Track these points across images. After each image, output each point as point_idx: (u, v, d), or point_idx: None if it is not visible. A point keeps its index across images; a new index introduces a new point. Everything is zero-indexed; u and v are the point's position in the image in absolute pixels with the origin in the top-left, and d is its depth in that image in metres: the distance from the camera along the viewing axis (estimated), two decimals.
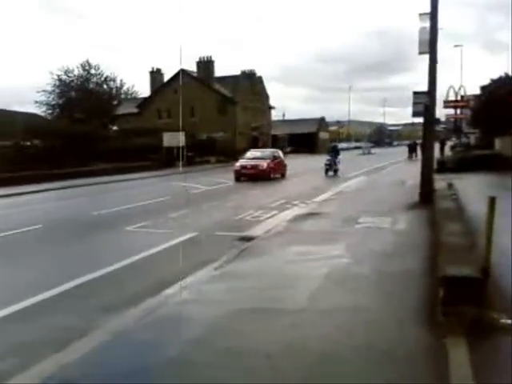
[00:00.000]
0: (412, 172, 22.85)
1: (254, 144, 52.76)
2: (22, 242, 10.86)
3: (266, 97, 65.03)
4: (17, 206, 17.51)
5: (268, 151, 29.69)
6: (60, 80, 57.70)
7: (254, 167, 25.39)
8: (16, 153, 34.87)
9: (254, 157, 27.16)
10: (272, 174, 25.81)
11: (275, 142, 61.31)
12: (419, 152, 43.70)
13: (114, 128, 57.03)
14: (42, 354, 4.73)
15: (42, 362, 4.59)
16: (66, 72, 57.55)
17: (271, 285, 6.73)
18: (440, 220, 8.83)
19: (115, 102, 61.21)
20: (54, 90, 57.93)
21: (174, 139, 40.04)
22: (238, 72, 60.51)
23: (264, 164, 25.63)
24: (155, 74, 60.04)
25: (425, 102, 14.99)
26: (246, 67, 61.53)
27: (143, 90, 65.33)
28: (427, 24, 15.99)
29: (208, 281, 7.16)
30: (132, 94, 64.39)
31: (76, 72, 57.94)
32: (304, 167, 34.92)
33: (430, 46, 15.04)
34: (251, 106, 58.81)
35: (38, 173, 29.26)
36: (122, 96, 63.03)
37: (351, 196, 16.53)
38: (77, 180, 26.73)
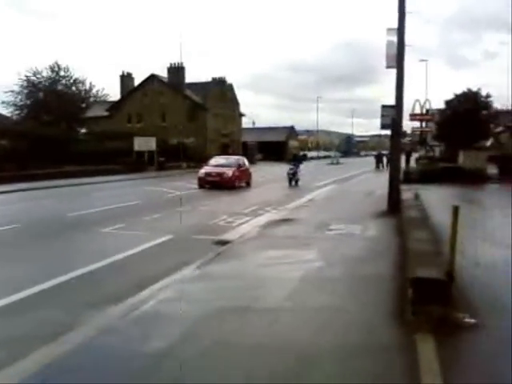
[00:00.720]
0: (379, 182, 23.48)
1: (225, 150, 52.97)
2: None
3: (237, 104, 65.43)
4: None
5: (233, 158, 28.56)
6: (28, 81, 56.96)
7: (218, 175, 24.55)
8: None
9: (218, 164, 26.20)
10: (237, 182, 25.16)
11: (245, 149, 61.61)
12: (385, 162, 44.80)
13: (83, 131, 56.47)
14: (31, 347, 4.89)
15: (28, 357, 4.73)
16: (35, 73, 56.91)
17: (249, 286, 7.00)
18: (407, 228, 9.27)
19: (84, 105, 60.75)
20: (21, 91, 57.20)
21: (145, 144, 40.17)
22: (208, 79, 60.77)
23: (229, 172, 24.81)
24: (126, 78, 59.63)
25: (392, 115, 15.56)
26: (216, 74, 62.02)
27: (113, 93, 64.68)
28: (394, 39, 16.62)
29: (188, 281, 7.38)
30: (101, 97, 63.91)
31: (45, 73, 57.43)
32: (273, 175, 35.31)
33: (398, 60, 15.53)
34: (222, 113, 59.10)
35: (5, 174, 28.84)
36: (92, 99, 62.54)
37: (322, 204, 16.95)
38: (46, 182, 26.47)
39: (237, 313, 5.86)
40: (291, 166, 26.39)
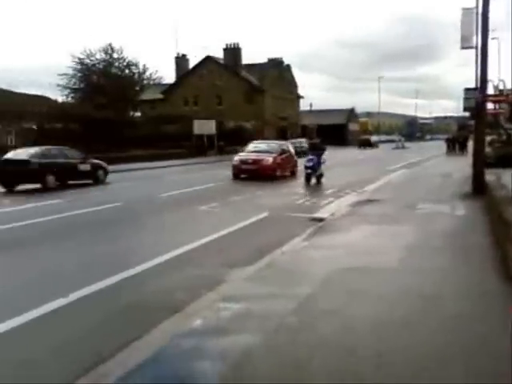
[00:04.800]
0: (454, 166, 24.48)
1: (283, 134, 54.51)
2: (117, 216, 12.98)
3: (295, 86, 66.73)
4: None
5: (275, 143, 26.30)
6: (82, 63, 59.78)
7: (256, 162, 22.47)
8: (42, 135, 37.13)
9: (257, 150, 24.00)
10: (278, 171, 22.86)
11: (305, 132, 62.90)
12: (457, 146, 45.15)
13: (137, 114, 59.17)
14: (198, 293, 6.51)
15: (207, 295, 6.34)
16: (88, 56, 59.66)
17: (360, 252, 8.43)
18: (501, 205, 10.45)
19: (138, 88, 63.42)
20: (75, 74, 60.14)
21: (205, 127, 42.08)
22: (264, 60, 62.23)
23: (269, 159, 22.64)
24: (181, 60, 61.94)
25: (476, 97, 16.58)
26: (269, 54, 63.52)
27: (169, 76, 67.43)
28: (470, 18, 17.65)
29: (302, 249, 8.90)
30: (155, 79, 66.48)
31: (98, 56, 60.13)
32: (335, 160, 36.41)
33: (482, 41, 16.42)
34: (279, 95, 60.55)
35: None
36: (145, 82, 65.17)
37: (401, 186, 18.18)
38: (118, 165, 28.78)
39: (358, 271, 7.30)
40: (310, 157, 20.83)
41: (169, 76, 64.98)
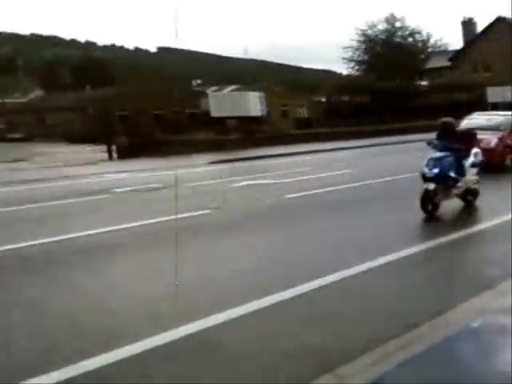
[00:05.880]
0: None
1: None
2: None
3: None
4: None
5: (507, 115, 17.32)
6: (365, 35, 60.75)
7: None
8: (329, 108, 39.12)
9: (476, 126, 15.67)
10: (509, 157, 15.62)
11: None
12: None
13: (423, 83, 57.85)
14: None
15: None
16: (371, 27, 60.40)
17: None
18: None
19: (422, 56, 61.90)
20: (359, 46, 61.48)
21: (500, 94, 38.80)
22: None
23: (492, 140, 15.10)
24: (467, 24, 58.73)
25: None
26: None
27: (455, 42, 64.47)
28: None
29: None
30: (441, 46, 63.72)
31: (380, 26, 60.52)
32: None
33: None
34: None
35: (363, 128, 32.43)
36: (430, 49, 63.06)
37: None
38: (403, 136, 28.85)
39: None
40: (436, 155, 9.39)
41: (455, 43, 61.75)
